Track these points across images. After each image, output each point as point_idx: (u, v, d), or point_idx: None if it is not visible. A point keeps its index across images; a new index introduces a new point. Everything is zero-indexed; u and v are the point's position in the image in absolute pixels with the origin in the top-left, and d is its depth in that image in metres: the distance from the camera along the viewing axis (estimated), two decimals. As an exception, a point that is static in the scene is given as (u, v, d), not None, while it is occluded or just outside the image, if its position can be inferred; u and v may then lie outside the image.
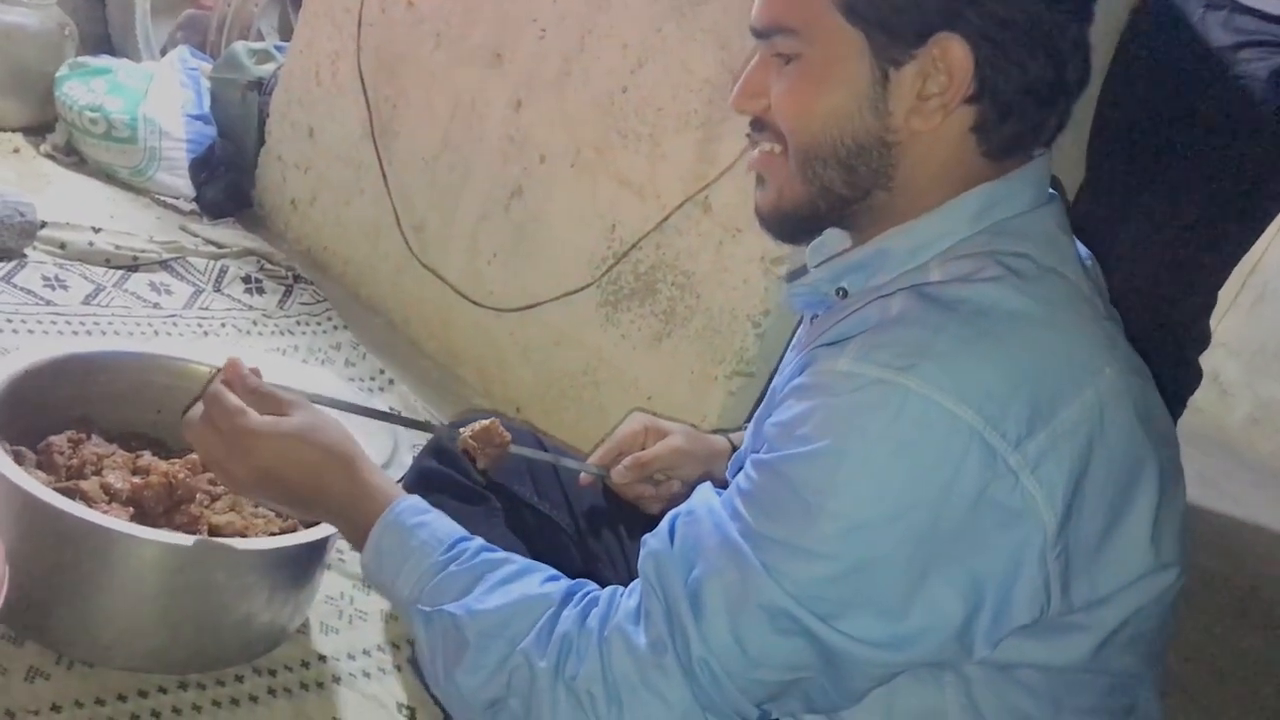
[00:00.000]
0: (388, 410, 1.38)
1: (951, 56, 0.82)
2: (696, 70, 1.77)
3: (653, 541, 0.88)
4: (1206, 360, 3.80)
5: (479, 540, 0.97)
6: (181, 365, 1.43)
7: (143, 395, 1.42)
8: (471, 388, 2.09)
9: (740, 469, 0.87)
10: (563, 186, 1.96)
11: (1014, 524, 0.77)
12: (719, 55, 1.74)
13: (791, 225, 0.94)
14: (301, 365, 1.92)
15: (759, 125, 0.92)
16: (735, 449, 1.25)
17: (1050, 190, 0.91)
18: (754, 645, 0.80)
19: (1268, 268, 3.66)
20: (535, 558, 1.21)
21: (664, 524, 0.89)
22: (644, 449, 1.27)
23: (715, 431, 1.41)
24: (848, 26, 0.84)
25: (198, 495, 1.29)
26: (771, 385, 1.02)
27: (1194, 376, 1.98)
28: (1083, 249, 0.95)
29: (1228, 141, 1.75)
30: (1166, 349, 1.82)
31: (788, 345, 1.13)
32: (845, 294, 0.91)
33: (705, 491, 0.89)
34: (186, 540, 1.15)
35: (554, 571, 0.94)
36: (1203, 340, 1.97)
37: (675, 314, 1.81)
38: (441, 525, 0.97)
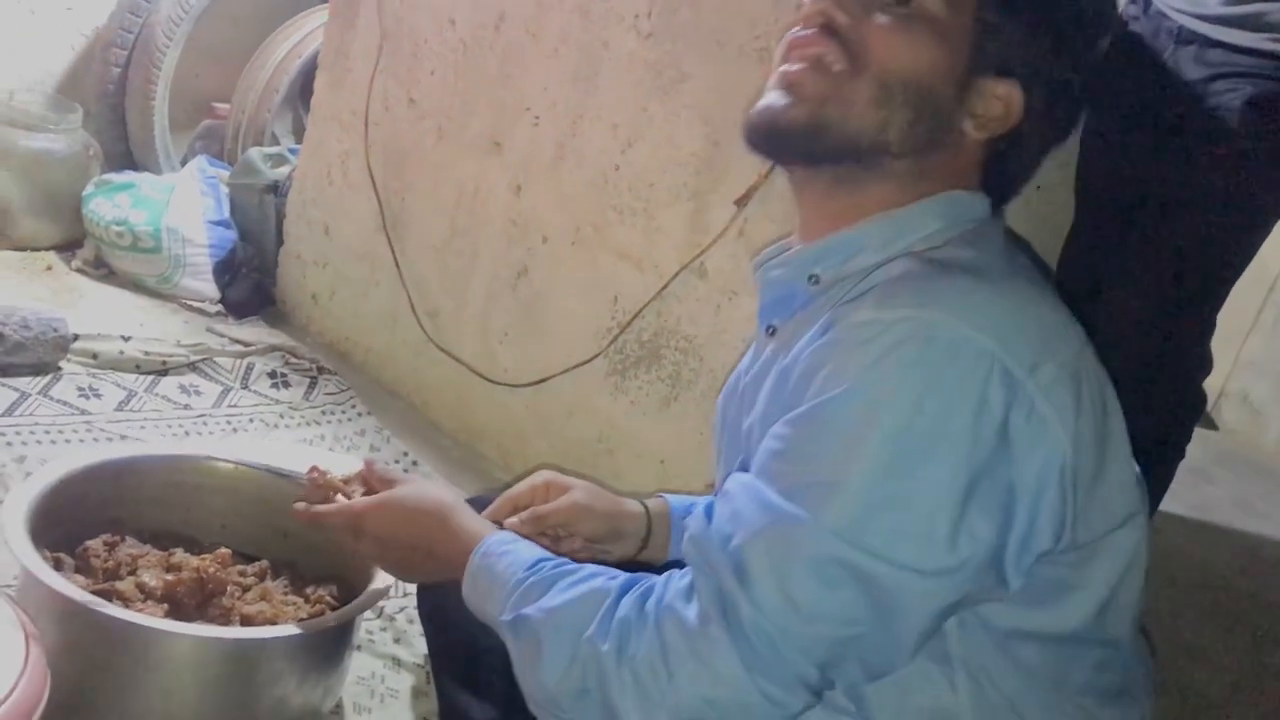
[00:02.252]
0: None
1: (1012, 102, 0.93)
2: (683, 145, 1.85)
3: (691, 526, 0.92)
4: (1235, 381, 3.78)
5: (557, 559, 1.01)
6: (208, 464, 1.50)
7: (172, 495, 1.49)
8: (492, 463, 2.16)
9: (710, 503, 0.93)
10: (565, 264, 2.04)
11: (1036, 445, 0.82)
12: (703, 130, 1.82)
13: (801, 137, 0.94)
14: (327, 453, 1.99)
15: (830, 31, 0.92)
16: (650, 513, 1.26)
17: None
18: (805, 600, 0.82)
19: (1288, 287, 3.66)
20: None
21: (699, 509, 0.94)
22: (546, 502, 1.27)
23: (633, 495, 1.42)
24: (973, 22, 0.92)
25: (229, 588, 1.36)
26: (736, 383, 1.08)
27: (1199, 400, 2.00)
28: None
29: (1209, 171, 1.79)
30: (1166, 376, 1.85)
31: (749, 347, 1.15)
32: (817, 281, 0.96)
33: (736, 475, 0.92)
34: (218, 633, 1.21)
35: (614, 571, 0.97)
36: (1203, 364, 2.00)
37: (680, 378, 1.87)
38: (526, 550, 1.03)
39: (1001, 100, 0.94)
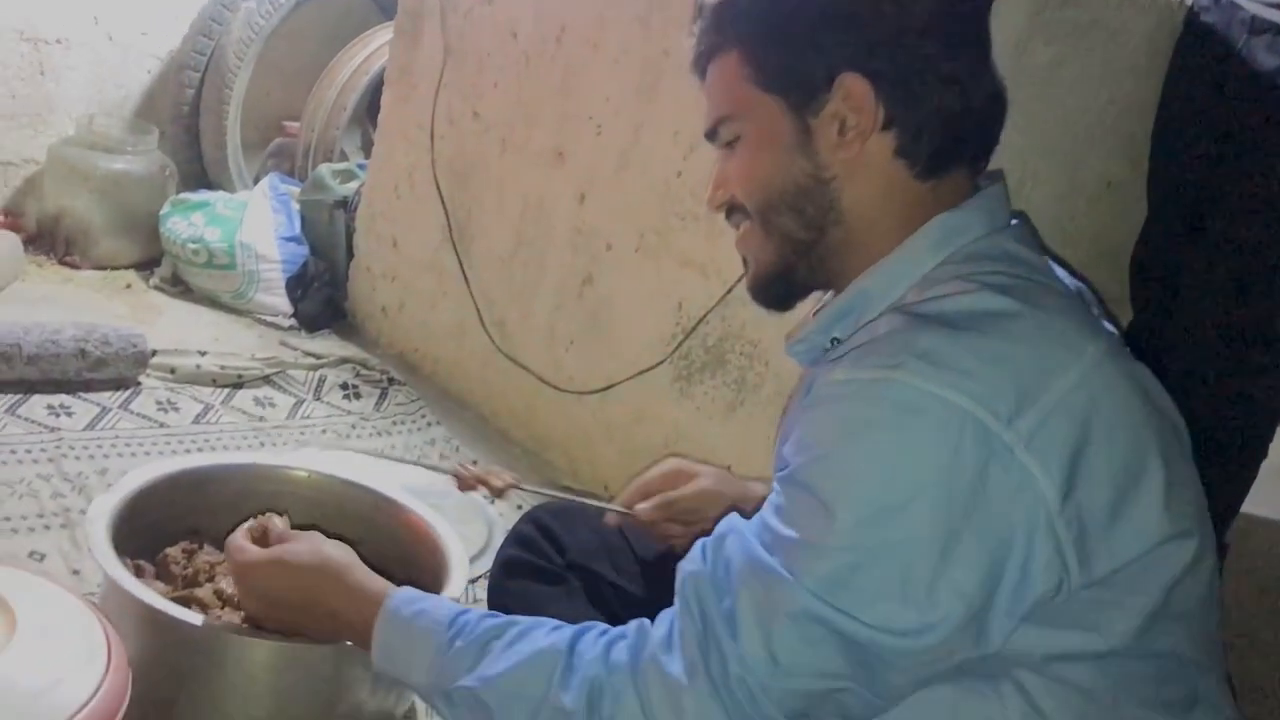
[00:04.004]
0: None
1: (854, 92, 0.93)
2: (745, 149, 1.84)
3: (687, 565, 0.93)
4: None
5: (475, 611, 1.01)
6: (282, 472, 1.54)
7: (248, 503, 1.51)
8: (560, 470, 2.17)
9: (705, 542, 0.94)
10: (629, 271, 2.05)
11: (1017, 497, 0.82)
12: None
13: (776, 289, 1.02)
14: (388, 464, 2.02)
15: (731, 210, 1.02)
16: None
17: (1012, 218, 0.98)
18: (785, 655, 0.84)
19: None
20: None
21: (695, 549, 0.94)
22: (675, 489, 1.31)
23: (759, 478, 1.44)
24: (766, 96, 0.96)
25: (303, 594, 1.38)
26: (782, 430, 1.07)
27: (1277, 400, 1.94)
28: (1065, 274, 1.01)
29: None
30: (1248, 367, 1.80)
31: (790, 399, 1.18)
32: (838, 342, 0.97)
33: (732, 517, 0.94)
34: (294, 640, 1.23)
35: (555, 622, 0.98)
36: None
37: (746, 382, 1.86)
38: (438, 608, 1.02)
39: (840, 109, 0.93)
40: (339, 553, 1.12)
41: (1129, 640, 0.87)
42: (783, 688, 0.85)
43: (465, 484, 1.34)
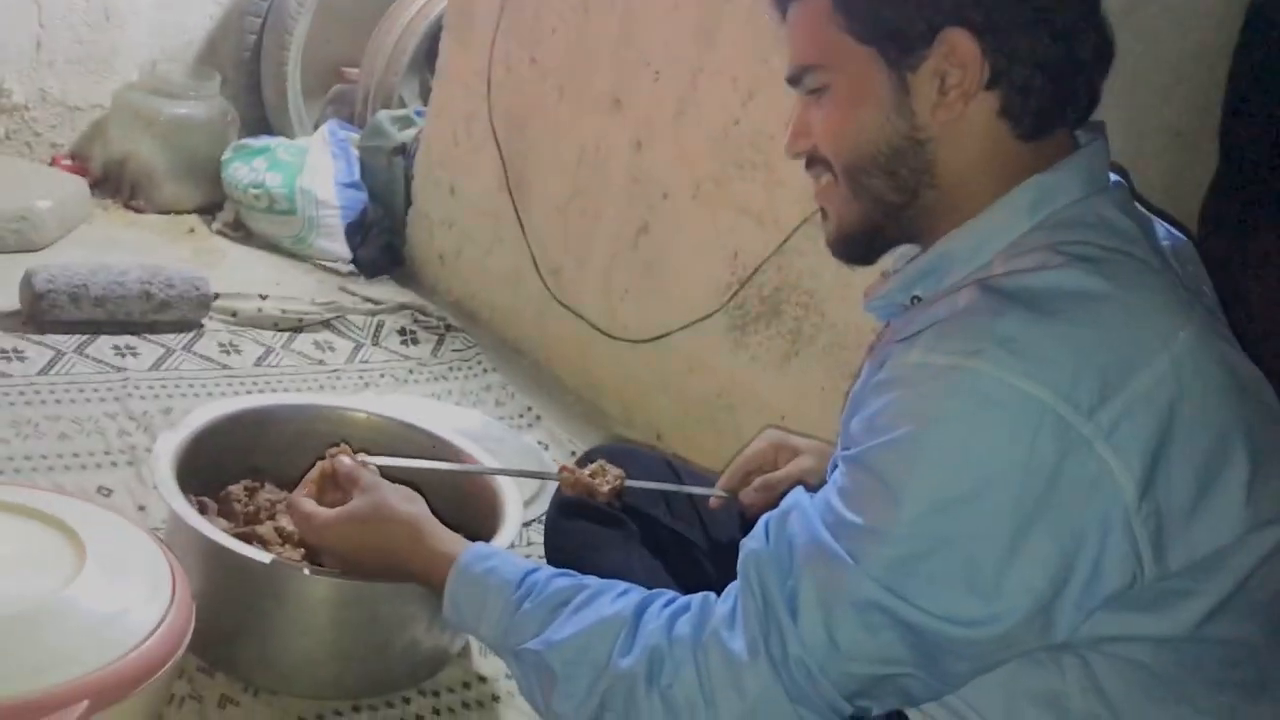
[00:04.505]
0: (508, 467, 1.50)
1: (959, 48, 0.88)
2: (804, 96, 1.82)
3: (751, 543, 0.93)
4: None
5: (546, 570, 1.04)
6: (340, 413, 1.56)
7: (307, 443, 1.53)
8: (614, 419, 2.18)
9: (834, 469, 0.92)
10: (686, 220, 2.04)
11: (1093, 493, 0.80)
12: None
13: (859, 246, 1.00)
14: (455, 408, 2.05)
15: (811, 162, 0.99)
16: None
17: (1114, 176, 0.94)
18: (845, 640, 0.84)
19: None
20: (671, 574, 1.27)
21: (759, 526, 0.94)
22: (775, 467, 1.31)
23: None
24: (860, 48, 0.91)
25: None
26: (851, 391, 1.06)
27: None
28: (1165, 229, 0.97)
29: None
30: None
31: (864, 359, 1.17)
32: (919, 300, 0.96)
33: (797, 493, 0.94)
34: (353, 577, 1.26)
35: (624, 586, 1.00)
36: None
37: (802, 333, 1.85)
38: (507, 565, 1.05)
39: (942, 65, 0.89)
40: (407, 507, 1.15)
41: (1193, 627, 0.85)
42: (842, 671, 0.85)
43: (570, 489, 1.32)
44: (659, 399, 2.11)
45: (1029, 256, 0.87)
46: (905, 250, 1.03)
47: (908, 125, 0.91)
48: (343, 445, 1.26)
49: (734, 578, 1.37)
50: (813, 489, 1.27)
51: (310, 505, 1.18)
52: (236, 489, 1.44)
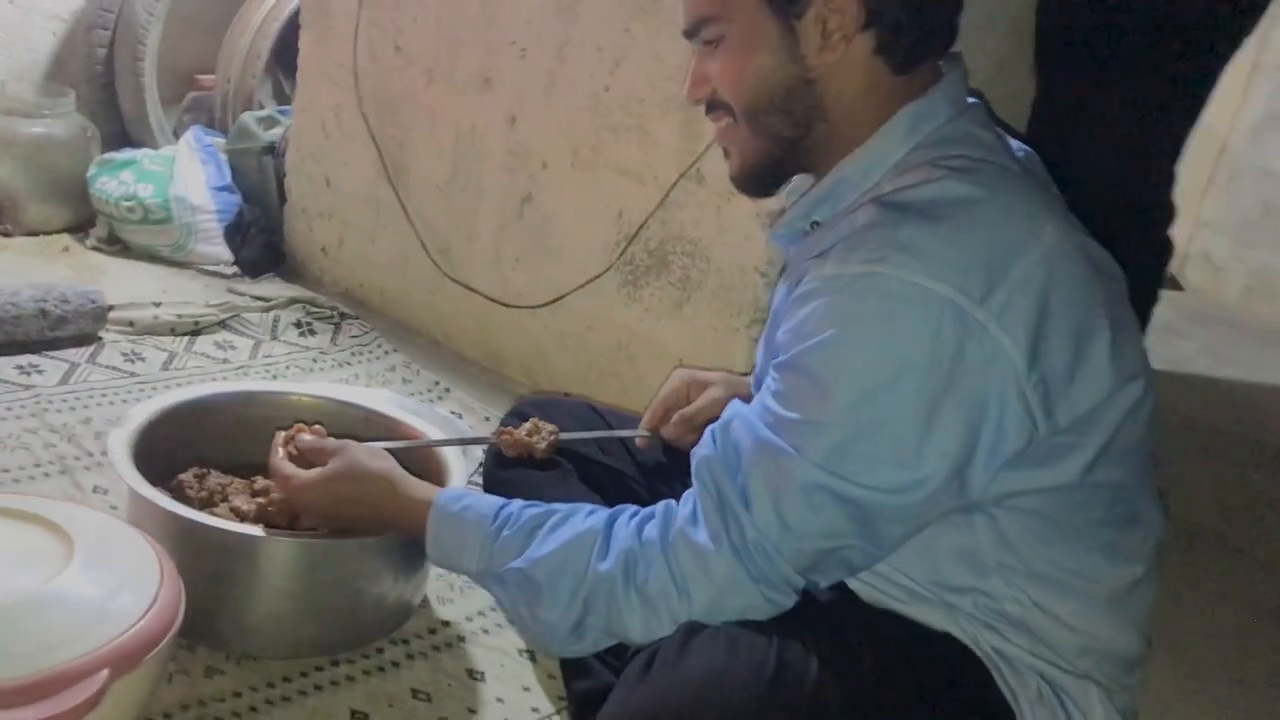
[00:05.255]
0: (442, 436, 1.58)
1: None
2: (668, 59, 1.96)
3: (701, 450, 1.06)
4: (1196, 243, 3.96)
5: (517, 502, 1.15)
6: (276, 397, 1.63)
7: (245, 429, 1.60)
8: (519, 383, 2.29)
9: (760, 384, 1.06)
10: (568, 186, 2.15)
11: (990, 367, 0.94)
12: (685, 43, 1.91)
13: (760, 179, 1.12)
14: (365, 390, 2.11)
15: (711, 106, 1.11)
16: None
17: (971, 99, 1.09)
18: (794, 520, 0.97)
19: (1234, 146, 3.82)
20: (609, 504, 1.40)
21: (705, 435, 1.07)
22: (689, 402, 1.42)
23: (747, 374, 1.59)
24: (751, 1, 1.03)
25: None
26: (772, 309, 1.20)
27: (1166, 248, 2.14)
28: (1016, 144, 1.13)
29: (1165, 19, 1.89)
30: (1137, 226, 1.99)
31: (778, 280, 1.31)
32: (817, 225, 1.10)
33: (735, 405, 1.07)
34: (320, 538, 1.34)
35: (589, 506, 1.12)
36: (1169, 213, 2.14)
37: (690, 280, 1.99)
38: (481, 502, 1.16)
39: (822, 11, 1.01)
40: (379, 463, 1.24)
41: (1080, 475, 1.00)
42: (794, 548, 0.98)
43: (510, 450, 1.42)
44: (561, 359, 2.23)
45: (912, 173, 1.01)
46: (798, 184, 1.17)
47: (798, 67, 1.04)
48: (298, 425, 1.34)
49: (666, 497, 1.51)
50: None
51: (291, 468, 1.26)
52: (187, 476, 1.50)
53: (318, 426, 1.36)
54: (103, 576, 1.14)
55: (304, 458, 1.30)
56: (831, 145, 1.08)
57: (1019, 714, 1.05)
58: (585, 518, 1.10)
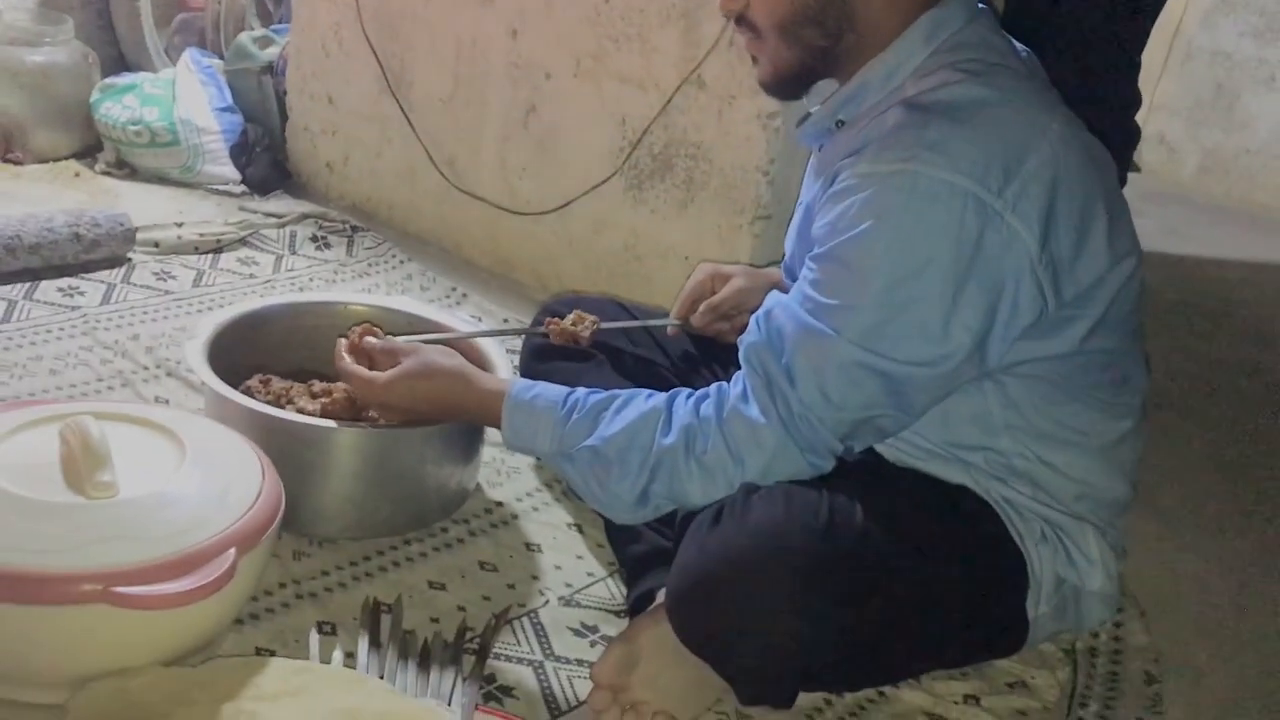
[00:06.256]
0: (489, 327, 1.71)
1: None
2: (667, -29, 2.05)
3: (749, 336, 1.21)
4: (1151, 124, 4.12)
5: (580, 390, 1.28)
6: (324, 307, 1.75)
7: (297, 338, 1.73)
8: (530, 287, 2.41)
9: (789, 271, 1.21)
10: (571, 96, 2.26)
11: (1007, 251, 1.10)
12: (684, -46, 2.02)
13: (791, 84, 1.25)
14: (401, 297, 2.24)
15: (740, 21, 1.23)
16: None
17: (980, 5, 1.22)
18: (836, 394, 1.13)
19: (1188, 28, 3.96)
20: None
21: (750, 323, 1.21)
22: (714, 293, 1.56)
23: (768, 265, 1.73)
24: None
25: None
26: (800, 203, 1.34)
27: (1134, 132, 2.30)
28: (1020, 46, 1.27)
29: None
30: (1107, 112, 2.13)
31: (803, 177, 1.44)
32: (842, 124, 1.23)
33: (775, 295, 1.22)
34: (388, 428, 1.47)
35: (647, 391, 1.26)
36: (1136, 100, 2.29)
37: (694, 181, 2.12)
38: (549, 390, 1.29)
39: None
40: (450, 360, 1.36)
41: (1078, 343, 1.17)
42: (836, 419, 1.14)
43: (557, 338, 1.55)
44: (569, 262, 2.35)
45: (933, 76, 1.15)
46: (821, 87, 1.30)
47: None
48: (365, 325, 1.46)
49: (696, 385, 1.66)
50: (757, 303, 1.55)
51: (367, 372, 1.37)
52: (253, 382, 1.62)
53: (376, 329, 1.47)
54: (213, 471, 1.27)
55: (370, 359, 1.42)
56: (857, 51, 1.20)
57: (1026, 553, 1.23)
58: (645, 400, 1.24)
